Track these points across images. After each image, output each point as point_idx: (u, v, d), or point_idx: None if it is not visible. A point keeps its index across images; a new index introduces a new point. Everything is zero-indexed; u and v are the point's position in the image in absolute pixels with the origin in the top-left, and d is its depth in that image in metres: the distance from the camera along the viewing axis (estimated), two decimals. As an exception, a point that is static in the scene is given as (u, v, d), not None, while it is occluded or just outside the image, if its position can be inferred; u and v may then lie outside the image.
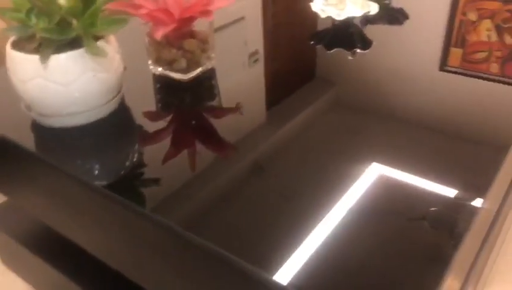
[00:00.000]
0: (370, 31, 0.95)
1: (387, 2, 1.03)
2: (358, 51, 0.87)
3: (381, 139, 0.64)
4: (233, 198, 0.56)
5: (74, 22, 0.60)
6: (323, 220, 0.49)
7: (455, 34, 1.05)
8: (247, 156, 0.62)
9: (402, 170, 0.58)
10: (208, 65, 0.79)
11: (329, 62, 0.87)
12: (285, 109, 0.72)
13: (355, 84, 0.79)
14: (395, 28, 0.98)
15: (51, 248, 0.79)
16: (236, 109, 0.72)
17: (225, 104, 0.75)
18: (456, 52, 0.97)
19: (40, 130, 0.68)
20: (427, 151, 0.61)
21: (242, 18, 1.01)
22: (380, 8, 0.96)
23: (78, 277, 0.74)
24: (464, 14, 1.14)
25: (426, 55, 0.88)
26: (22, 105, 0.69)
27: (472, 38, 1.01)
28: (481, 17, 1.10)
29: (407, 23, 0.99)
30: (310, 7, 0.97)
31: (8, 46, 0.64)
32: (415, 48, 0.90)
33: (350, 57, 0.85)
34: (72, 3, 0.60)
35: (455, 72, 0.86)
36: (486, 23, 1.08)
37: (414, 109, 0.71)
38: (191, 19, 0.73)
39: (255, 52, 0.89)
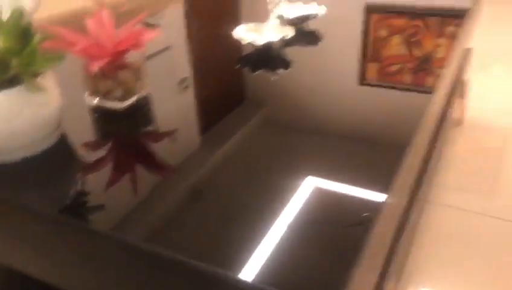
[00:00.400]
0: (292, 52, 1.04)
1: (302, 25, 1.14)
2: (279, 71, 0.96)
3: (312, 153, 0.71)
4: (174, 223, 0.59)
5: (13, 60, 0.64)
6: (266, 237, 0.54)
7: (370, 50, 1.18)
8: (186, 180, 0.66)
9: (335, 180, 0.64)
10: (142, 93, 0.84)
11: (257, 84, 0.95)
12: (219, 132, 0.78)
13: (283, 103, 0.87)
14: (316, 49, 1.08)
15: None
16: (171, 133, 0.78)
17: (160, 130, 0.80)
18: (372, 67, 1.08)
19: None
20: (355, 160, 0.69)
21: (168, 47, 1.07)
22: (296, 31, 1.06)
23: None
24: (376, 31, 1.27)
25: (346, 71, 0.98)
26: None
27: (385, 52, 1.13)
28: (391, 33, 1.23)
29: (327, 42, 1.10)
30: (232, 35, 1.05)
31: None
32: (336, 65, 1.00)
33: (272, 78, 0.94)
34: (10, 43, 0.63)
35: (373, 85, 0.97)
36: (396, 38, 1.21)
37: (339, 122, 0.80)
38: (124, 52, 0.78)
39: (184, 80, 0.95)
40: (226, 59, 1.06)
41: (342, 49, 1.08)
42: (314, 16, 1.13)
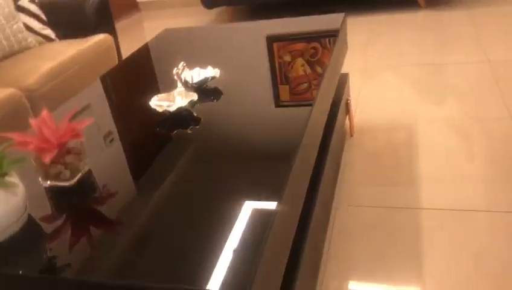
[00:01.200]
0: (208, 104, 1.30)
1: (204, 86, 1.40)
2: (192, 128, 1.21)
3: (245, 179, 0.96)
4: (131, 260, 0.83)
5: (-11, 169, 0.84)
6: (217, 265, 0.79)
7: (279, 75, 1.45)
8: (132, 227, 0.90)
9: (270, 200, 0.90)
10: (85, 168, 1.06)
11: (179, 140, 1.19)
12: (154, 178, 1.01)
13: (212, 139, 1.12)
14: (234, 86, 1.35)
15: None
16: (113, 195, 1.00)
17: (99, 182, 1.02)
18: (284, 89, 1.35)
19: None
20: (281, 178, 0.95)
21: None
22: (201, 92, 1.32)
23: None
24: (280, 57, 1.56)
25: (264, 97, 1.25)
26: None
27: (292, 74, 1.41)
28: (294, 57, 1.53)
29: (243, 75, 1.37)
30: (148, 104, 1.29)
31: None
32: (252, 94, 1.27)
33: (188, 132, 1.19)
34: (-18, 157, 0.84)
35: (288, 105, 1.24)
36: (300, 61, 1.50)
37: (262, 144, 1.06)
38: (66, 142, 1.00)
39: (109, 133, 1.19)
40: (148, 121, 1.29)
41: (255, 79, 1.36)
42: (213, 78, 1.40)
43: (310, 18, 1.91)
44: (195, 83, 1.38)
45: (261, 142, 1.10)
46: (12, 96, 1.82)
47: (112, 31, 2.50)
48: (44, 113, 1.02)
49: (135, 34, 4.19)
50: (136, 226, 0.89)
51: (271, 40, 1.74)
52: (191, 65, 1.48)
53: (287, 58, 1.55)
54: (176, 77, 1.33)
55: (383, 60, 2.76)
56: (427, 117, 2.08)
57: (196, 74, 1.40)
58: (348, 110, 1.97)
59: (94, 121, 1.29)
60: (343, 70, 1.91)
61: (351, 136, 2.03)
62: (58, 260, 0.86)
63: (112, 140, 1.22)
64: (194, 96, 1.28)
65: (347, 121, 2.01)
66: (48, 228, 0.95)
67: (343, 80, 1.95)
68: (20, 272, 0.83)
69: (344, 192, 1.69)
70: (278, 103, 1.28)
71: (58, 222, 0.95)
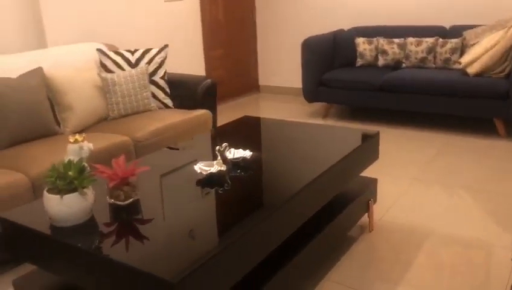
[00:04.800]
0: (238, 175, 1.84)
1: (237, 161, 1.95)
2: (225, 186, 1.75)
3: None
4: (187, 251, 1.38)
5: (75, 182, 1.48)
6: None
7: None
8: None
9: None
10: (134, 197, 1.66)
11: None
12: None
13: (230, 196, 1.65)
14: (260, 166, 1.88)
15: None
16: (150, 220, 1.56)
17: (143, 215, 1.59)
18: None
19: (54, 228, 1.51)
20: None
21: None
22: (233, 165, 1.87)
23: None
24: None
25: (273, 174, 1.76)
26: (47, 217, 1.54)
27: None
28: None
29: (270, 162, 1.90)
30: (193, 167, 1.88)
31: (45, 191, 1.50)
32: (271, 175, 1.79)
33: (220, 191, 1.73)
34: (75, 174, 1.47)
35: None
36: None
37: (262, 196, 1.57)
38: (126, 177, 1.62)
39: (160, 178, 1.77)
40: (189, 178, 1.86)
41: (280, 165, 1.87)
42: (244, 158, 1.95)
43: (345, 129, 2.39)
44: (231, 159, 1.94)
45: (261, 195, 1.60)
46: (124, 143, 2.56)
47: (213, 109, 3.21)
48: (121, 157, 1.65)
49: (249, 109, 4.95)
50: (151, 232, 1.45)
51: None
52: (237, 145, 2.06)
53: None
54: (217, 152, 1.90)
55: (438, 175, 3.06)
56: (448, 238, 2.37)
57: (234, 153, 1.97)
58: (368, 209, 2.36)
59: (149, 169, 1.90)
60: (376, 175, 2.33)
61: (370, 231, 2.39)
62: (103, 244, 1.44)
63: (160, 185, 1.81)
64: (224, 167, 1.84)
65: (366, 218, 2.39)
66: (101, 226, 1.54)
67: (368, 183, 2.37)
68: (79, 245, 1.43)
69: (336, 270, 2.07)
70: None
71: (109, 225, 1.54)
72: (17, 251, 1.63)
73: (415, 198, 2.75)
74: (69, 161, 1.51)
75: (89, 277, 1.42)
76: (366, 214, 2.38)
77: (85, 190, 1.50)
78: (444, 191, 2.82)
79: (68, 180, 1.47)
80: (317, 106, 4.91)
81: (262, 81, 5.73)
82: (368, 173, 2.74)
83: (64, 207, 1.48)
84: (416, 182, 2.96)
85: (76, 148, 1.63)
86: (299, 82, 5.29)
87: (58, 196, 1.47)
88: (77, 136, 1.65)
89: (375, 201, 2.44)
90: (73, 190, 1.48)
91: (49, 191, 1.50)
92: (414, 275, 2.02)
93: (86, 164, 1.55)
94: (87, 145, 1.67)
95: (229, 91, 5.33)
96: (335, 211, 2.10)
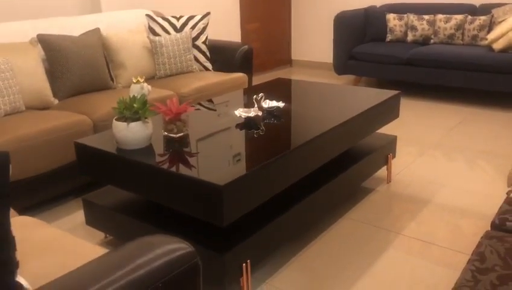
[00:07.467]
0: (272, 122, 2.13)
1: (271, 110, 2.24)
2: (259, 129, 2.04)
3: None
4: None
5: (139, 112, 1.79)
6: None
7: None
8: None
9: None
10: (185, 131, 1.96)
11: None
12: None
13: (263, 137, 1.95)
14: (290, 115, 2.17)
15: (135, 210, 1.91)
16: (196, 153, 1.87)
17: (191, 147, 1.90)
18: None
19: (120, 150, 1.83)
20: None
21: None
22: (267, 113, 2.16)
23: (154, 223, 1.85)
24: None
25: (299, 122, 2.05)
26: (114, 141, 1.86)
27: None
28: None
29: (301, 112, 2.18)
30: (234, 112, 2.17)
31: (114, 120, 1.82)
32: (298, 120, 2.08)
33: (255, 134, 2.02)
34: (139, 106, 1.79)
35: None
36: None
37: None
38: (179, 113, 1.92)
39: (208, 119, 2.08)
40: (230, 122, 2.16)
41: (309, 116, 2.16)
42: (278, 108, 2.23)
43: (371, 90, 2.64)
44: (266, 107, 2.22)
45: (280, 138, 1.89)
46: (170, 96, 2.88)
47: (249, 73, 3.50)
48: (174, 99, 1.96)
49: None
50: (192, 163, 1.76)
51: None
52: (271, 97, 2.34)
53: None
54: (254, 101, 2.19)
55: (459, 141, 3.28)
56: (454, 184, 2.61)
57: (269, 103, 2.25)
58: (387, 162, 2.62)
59: (198, 110, 2.20)
60: (396, 133, 2.57)
61: (388, 182, 2.65)
62: (163, 162, 1.75)
63: (206, 124, 2.12)
64: (259, 113, 2.13)
65: (385, 171, 2.65)
66: (158, 150, 1.86)
67: (388, 139, 2.62)
68: (143, 161, 1.75)
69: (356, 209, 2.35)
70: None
71: (165, 150, 1.86)
72: (89, 171, 1.97)
73: (433, 158, 2.98)
74: (134, 96, 1.83)
75: (151, 187, 1.74)
76: (386, 167, 2.64)
77: (147, 120, 1.82)
78: (461, 153, 3.05)
79: (133, 110, 1.79)
80: (347, 79, 5.13)
81: (295, 55, 5.97)
82: (392, 132, 2.99)
83: (129, 133, 1.80)
84: (437, 145, 3.19)
85: (138, 87, 1.95)
86: (329, 57, 5.51)
87: (125, 123, 1.79)
88: (139, 78, 1.96)
89: (394, 156, 2.70)
90: (137, 119, 1.80)
91: (118, 119, 1.82)
92: (421, 221, 2.28)
93: (146, 100, 1.86)
94: (147, 86, 1.98)
95: (262, 64, 5.60)
96: (357, 159, 2.36)
